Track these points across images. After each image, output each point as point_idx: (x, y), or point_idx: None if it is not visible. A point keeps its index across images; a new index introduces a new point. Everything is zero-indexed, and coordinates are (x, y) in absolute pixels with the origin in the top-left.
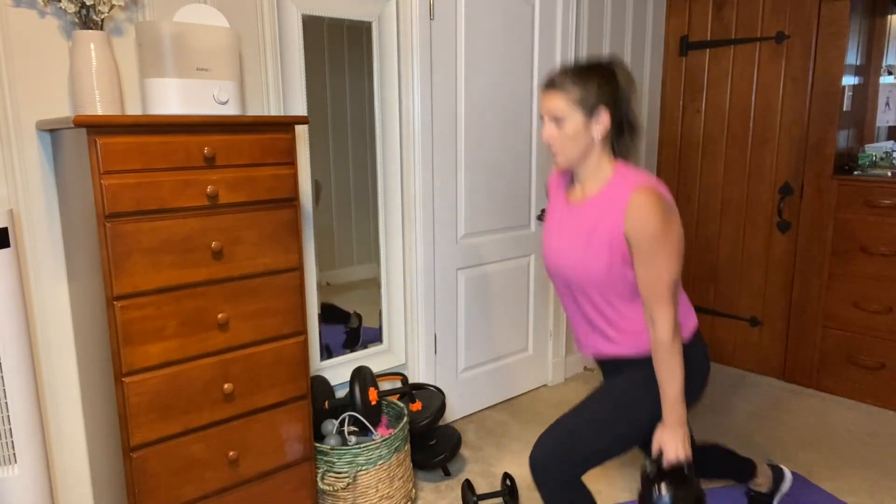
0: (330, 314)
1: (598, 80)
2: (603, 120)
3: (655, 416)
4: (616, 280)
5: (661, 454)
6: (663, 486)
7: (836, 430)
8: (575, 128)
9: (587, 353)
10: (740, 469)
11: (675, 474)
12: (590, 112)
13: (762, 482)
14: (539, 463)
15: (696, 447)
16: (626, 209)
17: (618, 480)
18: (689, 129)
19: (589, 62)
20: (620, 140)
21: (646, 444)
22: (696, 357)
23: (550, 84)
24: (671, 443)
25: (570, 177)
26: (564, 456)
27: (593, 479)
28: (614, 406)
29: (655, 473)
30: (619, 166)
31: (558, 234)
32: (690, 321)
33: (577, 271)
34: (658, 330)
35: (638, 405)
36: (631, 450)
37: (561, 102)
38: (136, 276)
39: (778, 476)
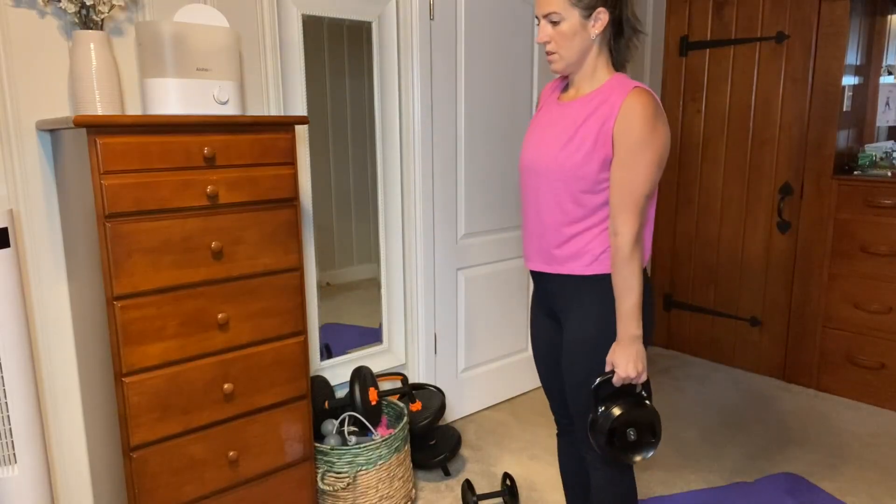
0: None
1: None
2: (601, 18)
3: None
4: (587, 180)
5: (612, 372)
6: (612, 404)
7: (837, 430)
8: (572, 27)
9: (532, 267)
10: None
11: (626, 393)
12: (587, 11)
13: None
14: (556, 417)
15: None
16: (620, 107)
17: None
18: (689, 129)
19: None
20: (619, 43)
21: None
22: (647, 294)
23: None
24: (623, 359)
25: (564, 85)
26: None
27: None
28: (592, 370)
29: (607, 391)
30: (617, 75)
31: (542, 129)
32: (647, 253)
33: (552, 162)
34: (619, 238)
35: (604, 344)
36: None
37: (557, 1)
38: (136, 276)
39: None
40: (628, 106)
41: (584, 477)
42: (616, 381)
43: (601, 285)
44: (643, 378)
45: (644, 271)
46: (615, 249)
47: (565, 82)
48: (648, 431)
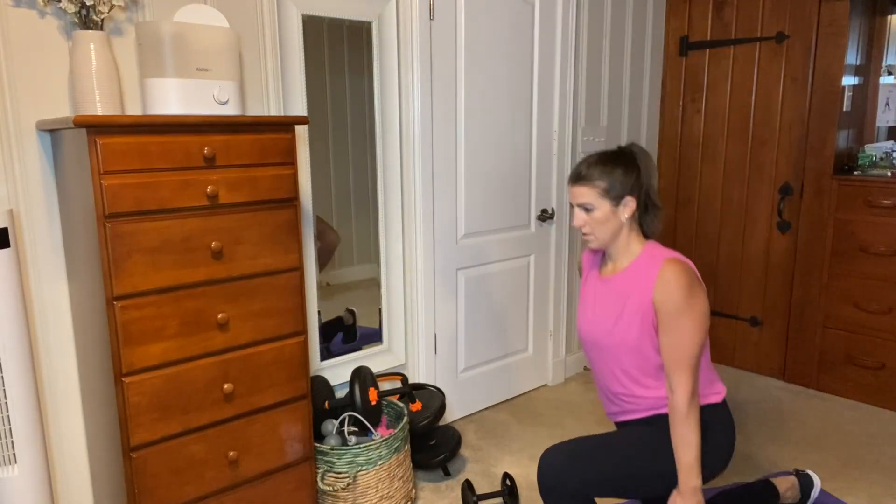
0: (325, 328)
1: (622, 170)
2: (629, 205)
3: (673, 474)
4: (647, 348)
5: None
6: None
7: (836, 431)
8: (604, 214)
9: (618, 420)
10: (763, 499)
11: None
12: (616, 200)
13: (790, 494)
14: (548, 472)
15: None
16: (656, 279)
17: None
18: (689, 129)
19: (612, 153)
20: (646, 217)
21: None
22: (722, 425)
23: (578, 178)
24: None
25: (601, 255)
26: (574, 470)
27: None
28: (638, 444)
29: None
30: (649, 244)
31: (592, 306)
32: (717, 390)
33: (610, 338)
34: (676, 397)
35: (661, 454)
36: (639, 499)
37: (589, 194)
38: (136, 276)
39: (806, 484)
40: (662, 278)
41: None
42: None
43: None
44: None
45: (724, 405)
46: (672, 408)
47: (602, 252)
48: None
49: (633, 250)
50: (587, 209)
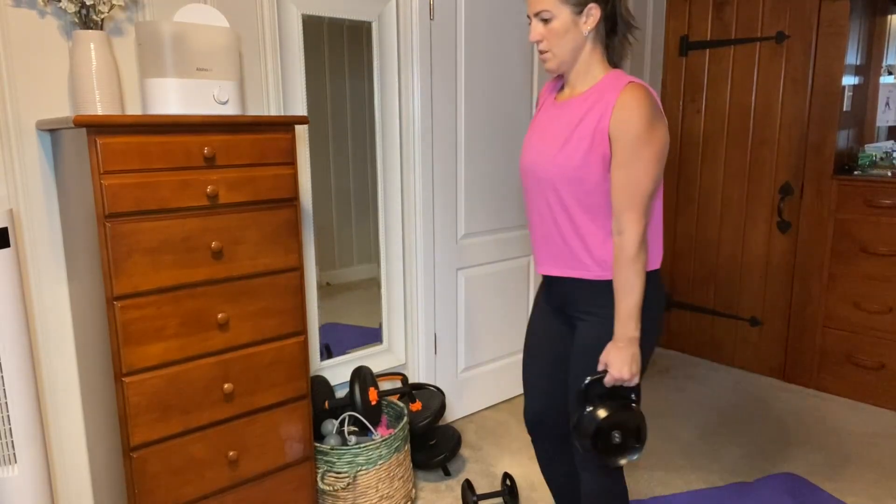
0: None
1: None
2: (593, 14)
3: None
4: (590, 178)
5: (605, 372)
6: (599, 405)
7: (836, 431)
8: (563, 24)
9: (544, 272)
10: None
11: (615, 395)
12: (578, 7)
13: None
14: (533, 417)
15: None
16: (615, 103)
17: None
18: (689, 129)
19: None
20: (613, 40)
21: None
22: (654, 294)
23: None
24: (618, 360)
25: (560, 84)
26: (555, 406)
27: None
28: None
29: (595, 391)
30: (613, 71)
31: (540, 131)
32: (658, 252)
33: (551, 165)
34: (625, 238)
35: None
36: None
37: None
38: (136, 276)
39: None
40: (623, 102)
41: (575, 480)
42: (608, 381)
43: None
44: (636, 381)
45: (657, 274)
46: (619, 249)
47: (562, 82)
48: (634, 435)
49: (594, 74)
50: (545, 19)
